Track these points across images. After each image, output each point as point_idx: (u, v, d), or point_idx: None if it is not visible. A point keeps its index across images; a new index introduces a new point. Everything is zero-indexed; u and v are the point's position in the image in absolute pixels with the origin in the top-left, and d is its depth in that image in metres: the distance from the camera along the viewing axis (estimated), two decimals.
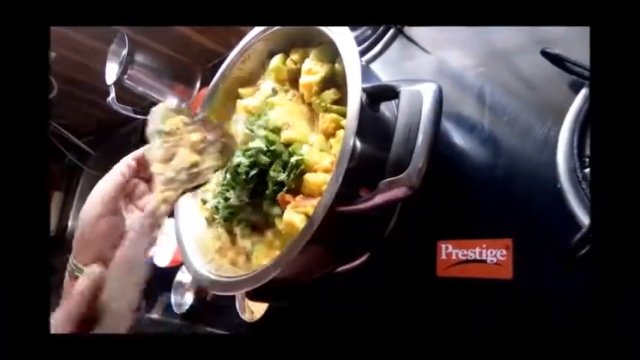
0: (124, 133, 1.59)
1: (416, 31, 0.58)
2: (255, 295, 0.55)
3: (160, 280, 0.94)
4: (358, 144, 0.40)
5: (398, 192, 0.36)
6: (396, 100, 0.40)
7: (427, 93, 0.36)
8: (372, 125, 0.42)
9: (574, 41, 0.43)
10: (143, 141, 1.59)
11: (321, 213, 0.39)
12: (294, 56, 0.53)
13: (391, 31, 0.59)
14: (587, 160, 0.39)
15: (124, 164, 0.54)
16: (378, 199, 0.37)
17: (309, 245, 0.40)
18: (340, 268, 0.50)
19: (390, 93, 0.40)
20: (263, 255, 0.48)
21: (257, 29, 0.57)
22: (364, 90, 0.41)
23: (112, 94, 1.02)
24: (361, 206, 0.38)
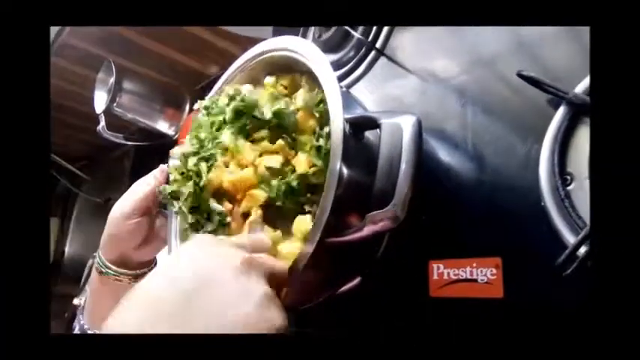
0: (117, 157, 1.60)
1: (397, 52, 0.59)
2: None
3: None
4: (345, 171, 0.41)
5: (384, 224, 0.36)
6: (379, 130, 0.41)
7: (406, 126, 0.37)
8: (357, 153, 0.43)
9: (562, 42, 0.44)
10: (136, 165, 1.58)
11: (311, 246, 0.40)
12: (284, 81, 0.54)
13: (372, 53, 0.60)
14: (569, 177, 0.40)
15: (159, 169, 0.59)
16: (366, 230, 0.38)
17: (301, 277, 0.41)
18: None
19: (372, 124, 0.41)
20: None
21: (241, 59, 0.57)
22: (347, 120, 0.42)
23: (102, 123, 1.03)
24: (349, 238, 0.39)
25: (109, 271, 0.59)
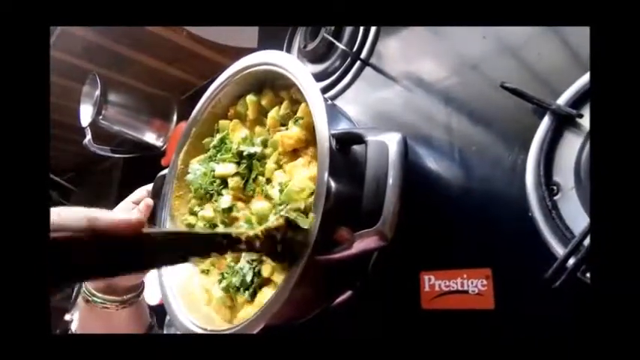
0: (105, 168, 1.58)
1: (382, 62, 0.59)
2: None
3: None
4: (332, 185, 0.41)
5: (372, 243, 0.36)
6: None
7: (392, 144, 0.37)
8: (344, 167, 0.43)
9: (549, 48, 0.44)
10: (125, 175, 1.56)
11: (301, 264, 0.39)
12: (264, 100, 0.54)
13: (357, 64, 0.60)
14: (555, 188, 0.40)
15: (144, 203, 0.58)
16: (355, 249, 0.37)
17: (292, 294, 0.41)
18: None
19: (358, 140, 0.41)
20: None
21: (225, 74, 0.57)
22: (333, 136, 0.41)
23: (88, 136, 1.02)
24: (338, 256, 0.39)
25: (96, 299, 0.58)
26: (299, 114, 0.48)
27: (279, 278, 0.45)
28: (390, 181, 0.36)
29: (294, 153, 0.49)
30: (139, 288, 0.62)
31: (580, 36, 0.41)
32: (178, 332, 0.90)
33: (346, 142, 0.42)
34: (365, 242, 0.37)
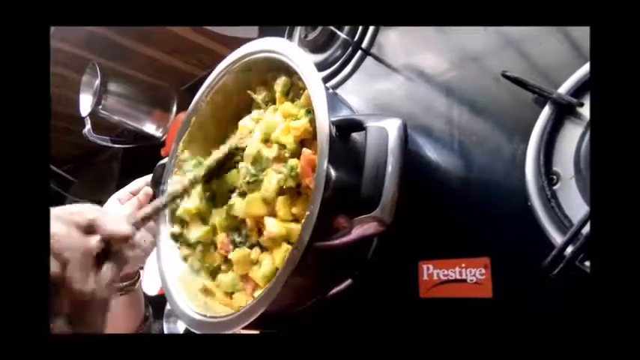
0: (105, 159, 1.58)
1: (383, 52, 0.59)
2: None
3: (152, 308, 0.94)
4: (332, 173, 0.41)
5: (371, 228, 0.36)
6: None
7: (392, 129, 0.37)
8: (343, 154, 0.43)
9: (548, 40, 0.44)
10: (125, 166, 1.56)
11: (300, 250, 0.39)
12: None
13: (359, 53, 0.60)
14: (555, 177, 0.40)
15: (144, 194, 0.58)
16: (354, 234, 0.37)
17: (291, 281, 0.41)
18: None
19: (357, 127, 0.41)
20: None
21: (225, 61, 0.57)
22: (333, 123, 0.41)
23: (88, 126, 1.02)
24: (337, 242, 0.39)
25: None
26: (302, 101, 0.48)
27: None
28: (390, 167, 0.36)
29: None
30: (135, 276, 0.62)
31: (580, 28, 0.41)
32: (178, 321, 0.90)
33: (346, 129, 0.42)
34: (363, 228, 0.37)
